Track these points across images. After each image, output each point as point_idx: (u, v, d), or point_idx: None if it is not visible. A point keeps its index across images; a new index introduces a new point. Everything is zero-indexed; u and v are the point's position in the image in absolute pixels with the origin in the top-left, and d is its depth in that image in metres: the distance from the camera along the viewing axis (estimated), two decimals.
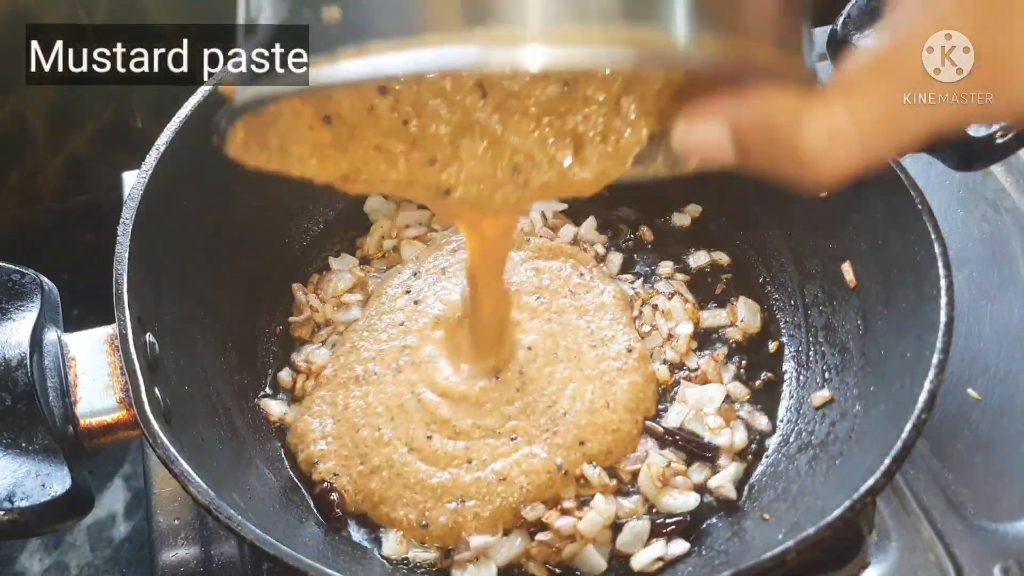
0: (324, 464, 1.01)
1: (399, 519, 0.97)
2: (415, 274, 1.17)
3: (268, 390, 1.09)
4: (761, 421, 1.05)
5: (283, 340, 1.13)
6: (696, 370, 1.09)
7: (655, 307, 1.14)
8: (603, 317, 1.11)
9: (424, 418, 1.02)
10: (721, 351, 1.10)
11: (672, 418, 1.05)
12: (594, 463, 0.99)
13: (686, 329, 1.11)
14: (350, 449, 1.01)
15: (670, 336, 1.11)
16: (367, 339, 1.10)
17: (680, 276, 1.17)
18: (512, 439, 1.00)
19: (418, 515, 0.96)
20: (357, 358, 1.08)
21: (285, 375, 1.10)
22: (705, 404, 1.05)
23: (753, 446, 1.03)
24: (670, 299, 1.14)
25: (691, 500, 0.98)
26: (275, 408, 1.07)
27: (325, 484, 1.00)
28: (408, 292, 1.15)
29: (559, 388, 1.04)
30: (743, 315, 1.12)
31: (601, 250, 1.20)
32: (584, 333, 1.09)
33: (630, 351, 1.07)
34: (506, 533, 0.96)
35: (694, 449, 1.02)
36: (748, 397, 1.07)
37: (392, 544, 0.96)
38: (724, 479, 0.99)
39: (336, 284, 1.16)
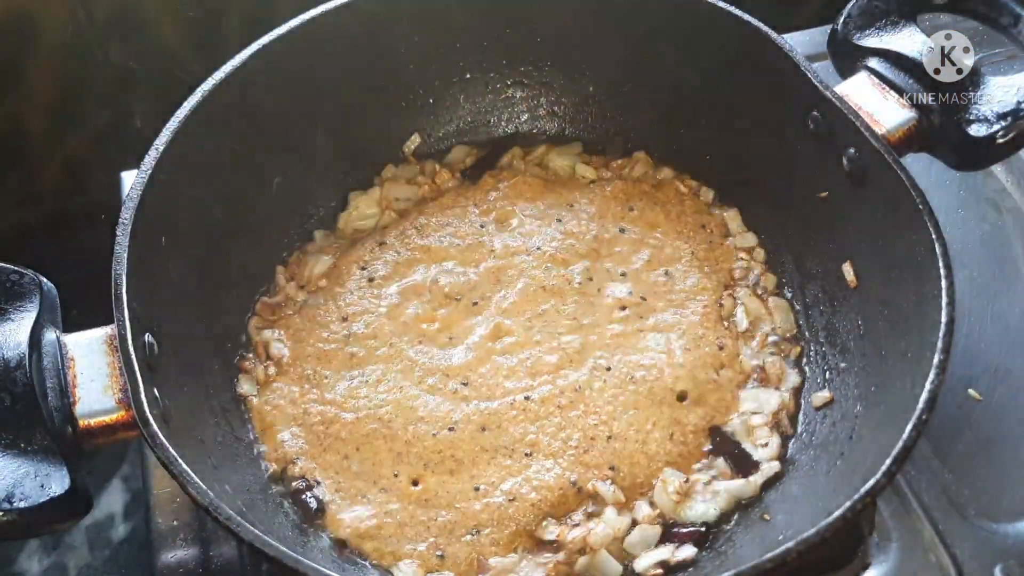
0: (300, 464, 1.00)
1: (406, 553, 0.94)
2: (381, 244, 1.15)
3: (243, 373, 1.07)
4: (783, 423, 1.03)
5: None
6: (761, 369, 1.06)
7: (734, 298, 1.11)
8: (696, 307, 1.09)
9: (402, 453, 0.99)
10: (792, 350, 1.08)
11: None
12: (610, 481, 0.97)
13: (764, 328, 1.09)
14: (321, 465, 0.99)
15: (746, 333, 1.08)
16: (309, 328, 1.08)
17: (770, 275, 1.14)
18: (527, 454, 0.99)
19: (430, 548, 0.94)
20: (302, 352, 1.07)
21: (248, 362, 1.08)
22: (764, 406, 1.03)
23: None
24: (757, 297, 1.11)
25: (711, 511, 0.96)
26: (250, 391, 1.05)
27: (301, 482, 0.98)
28: (363, 268, 1.13)
29: (617, 411, 1.01)
30: (779, 319, 1.10)
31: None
32: (676, 333, 1.06)
33: (722, 348, 1.06)
34: (524, 552, 0.94)
35: (734, 463, 1.00)
36: (792, 409, 1.04)
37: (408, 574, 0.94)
38: (726, 488, 0.98)
39: (313, 267, 1.15)
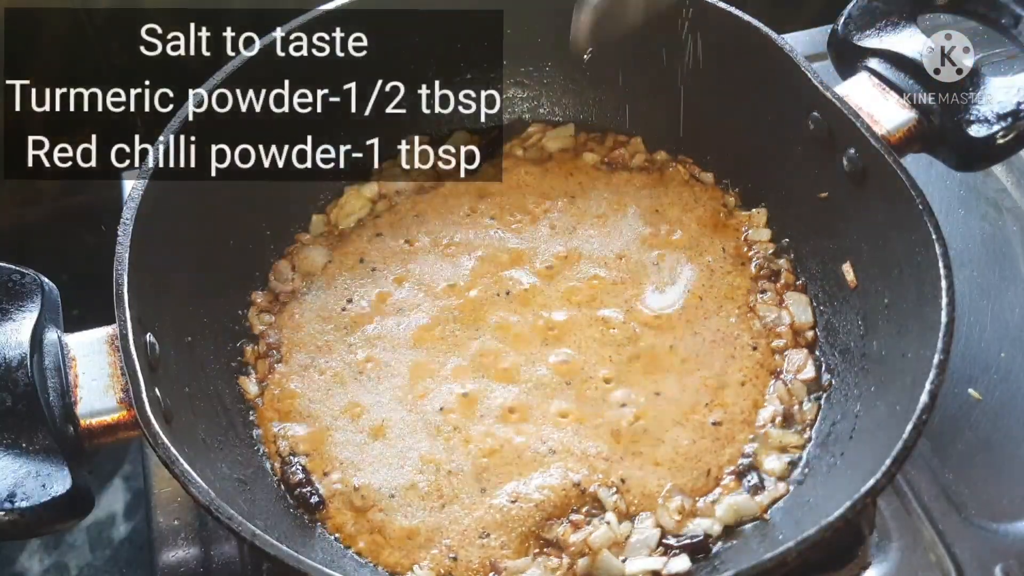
0: (302, 461, 1.00)
1: (419, 557, 0.93)
2: (378, 235, 1.15)
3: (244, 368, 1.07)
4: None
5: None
6: (784, 367, 1.05)
7: (761, 292, 1.10)
8: (731, 308, 1.08)
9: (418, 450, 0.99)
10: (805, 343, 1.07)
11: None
12: (614, 489, 0.97)
13: (784, 323, 1.08)
14: (325, 462, 0.99)
15: (772, 331, 1.07)
16: (310, 322, 1.08)
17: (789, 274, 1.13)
18: (552, 452, 0.98)
19: (442, 551, 0.93)
20: (303, 347, 1.06)
21: (249, 359, 1.08)
22: (783, 406, 1.02)
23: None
24: (778, 294, 1.10)
25: (715, 527, 0.95)
26: (251, 387, 1.05)
27: (304, 479, 0.98)
28: (362, 260, 1.13)
29: (653, 430, 0.99)
30: (798, 313, 1.09)
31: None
32: (717, 339, 1.05)
33: (755, 348, 1.05)
34: (536, 555, 0.94)
35: (743, 476, 0.99)
36: (803, 407, 1.03)
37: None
38: (729, 503, 0.96)
39: (312, 260, 1.14)
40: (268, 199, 1.14)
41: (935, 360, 0.84)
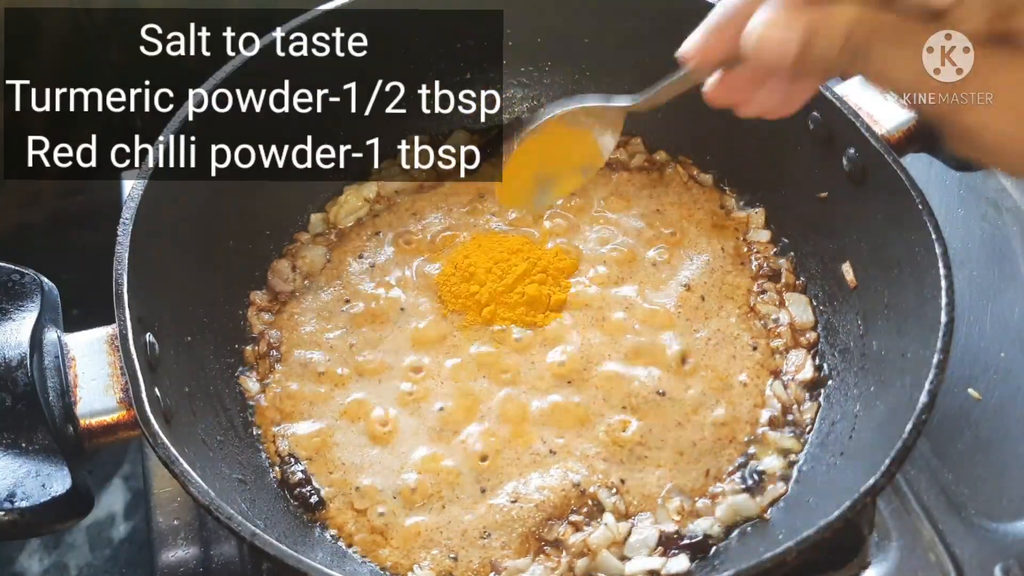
0: (302, 460, 0.99)
1: (418, 558, 0.93)
2: (377, 234, 1.15)
3: (243, 368, 1.07)
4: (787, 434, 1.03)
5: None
6: (783, 368, 1.05)
7: (761, 292, 1.10)
8: (731, 308, 1.08)
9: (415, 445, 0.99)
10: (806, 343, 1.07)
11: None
12: (613, 489, 0.97)
13: (783, 323, 1.08)
14: (325, 461, 0.99)
15: (772, 331, 1.07)
16: (310, 322, 1.08)
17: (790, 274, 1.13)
18: (552, 452, 0.98)
19: (442, 551, 0.93)
20: (303, 347, 1.06)
21: (249, 358, 1.08)
22: (782, 406, 1.02)
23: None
24: (778, 294, 1.10)
25: (715, 527, 0.94)
26: (251, 386, 1.05)
27: (303, 479, 0.98)
28: (361, 257, 1.13)
29: (654, 435, 0.99)
30: (798, 313, 1.09)
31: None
32: (720, 340, 1.05)
33: (755, 348, 1.05)
34: (536, 555, 0.94)
35: (743, 478, 0.98)
36: (804, 406, 1.03)
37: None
38: (729, 503, 0.96)
39: (311, 260, 1.14)
40: (268, 199, 1.15)
41: (934, 360, 0.84)
